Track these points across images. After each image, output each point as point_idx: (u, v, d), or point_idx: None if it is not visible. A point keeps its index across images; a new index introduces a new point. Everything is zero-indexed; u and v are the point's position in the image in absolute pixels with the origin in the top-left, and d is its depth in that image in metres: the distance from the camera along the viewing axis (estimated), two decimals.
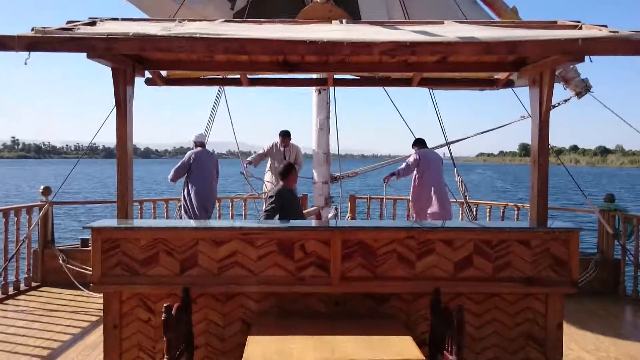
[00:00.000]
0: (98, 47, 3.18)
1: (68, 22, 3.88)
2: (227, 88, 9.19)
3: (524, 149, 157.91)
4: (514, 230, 4.05)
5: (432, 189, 8.63)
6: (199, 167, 8.48)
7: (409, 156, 8.95)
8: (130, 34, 3.16)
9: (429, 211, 8.61)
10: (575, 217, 18.88)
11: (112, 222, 4.15)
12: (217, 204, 9.33)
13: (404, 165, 8.89)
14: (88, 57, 3.64)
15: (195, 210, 8.37)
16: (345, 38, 3.20)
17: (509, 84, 5.67)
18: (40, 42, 3.12)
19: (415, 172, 8.78)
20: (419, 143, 9.02)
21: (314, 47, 3.15)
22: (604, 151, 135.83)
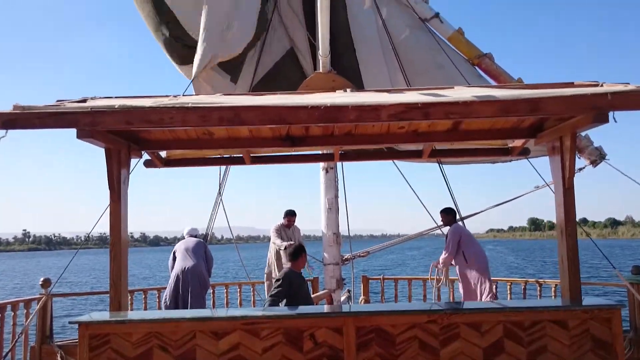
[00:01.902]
0: (81, 122, 2.93)
1: (58, 101, 3.68)
2: (232, 170, 8.98)
3: (534, 224, 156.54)
4: (547, 309, 3.62)
5: (480, 265, 7.50)
6: (180, 253, 8.00)
7: (422, 232, 8.52)
8: (116, 107, 2.91)
9: (482, 293, 7.37)
10: (593, 292, 17.98)
11: (103, 315, 3.76)
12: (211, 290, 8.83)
13: (446, 253, 7.63)
14: (77, 136, 3.41)
15: (166, 299, 7.72)
16: (351, 102, 2.93)
17: (523, 152, 5.37)
18: (18, 120, 2.88)
19: (459, 251, 7.61)
20: (450, 213, 7.94)
21: (317, 112, 2.88)
22: (613, 223, 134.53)
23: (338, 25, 9.01)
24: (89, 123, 2.95)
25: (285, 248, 8.38)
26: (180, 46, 7.74)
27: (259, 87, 8.99)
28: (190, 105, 2.93)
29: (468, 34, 8.61)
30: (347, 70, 8.97)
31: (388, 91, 3.97)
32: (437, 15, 8.58)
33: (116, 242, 4.11)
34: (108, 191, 4.10)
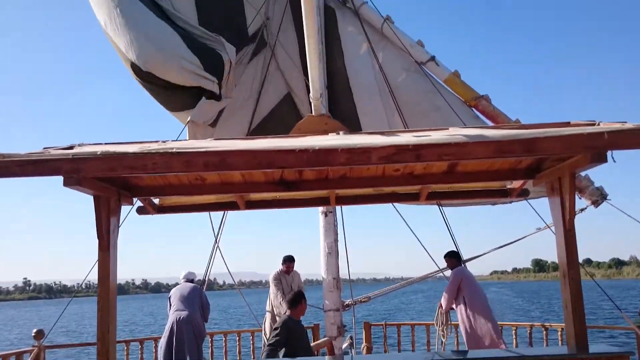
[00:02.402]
0: (63, 169, 2.85)
1: (44, 148, 3.61)
2: (230, 214, 8.84)
3: (537, 265, 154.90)
4: (553, 357, 3.45)
5: (483, 311, 7.28)
6: (175, 300, 7.73)
7: (426, 276, 8.33)
8: (99, 153, 2.83)
9: (487, 342, 7.10)
10: (600, 335, 17.53)
11: None
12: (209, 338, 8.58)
13: (445, 296, 7.56)
14: (64, 184, 3.31)
15: (161, 350, 7.37)
16: (341, 144, 2.85)
17: (523, 193, 5.25)
18: None
19: (459, 294, 7.46)
20: (454, 256, 7.80)
21: (306, 155, 2.80)
22: (618, 263, 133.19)
23: (335, 71, 9.09)
24: (71, 170, 2.87)
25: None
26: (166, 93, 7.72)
27: (256, 132, 8.99)
28: (174, 150, 2.86)
29: (464, 75, 8.64)
30: (345, 115, 8.99)
31: (382, 133, 3.89)
32: (433, 58, 8.63)
33: (104, 293, 3.96)
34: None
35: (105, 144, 3.99)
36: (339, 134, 4.11)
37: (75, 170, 2.89)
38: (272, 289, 8.57)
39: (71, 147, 3.59)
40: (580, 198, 7.76)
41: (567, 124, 3.90)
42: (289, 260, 8.78)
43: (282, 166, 2.89)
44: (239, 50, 8.47)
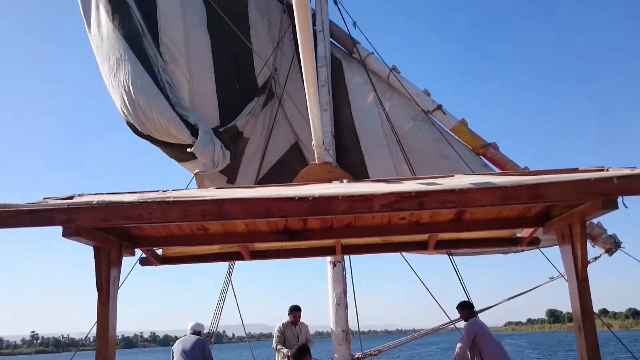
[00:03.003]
0: (57, 220, 2.79)
1: (44, 198, 3.57)
2: (238, 264, 8.72)
3: (552, 315, 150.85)
4: None
5: None
6: (177, 355, 7.50)
7: (438, 327, 8.06)
8: (94, 203, 2.78)
9: None
10: None
11: None
12: None
13: (460, 346, 7.07)
14: (63, 235, 3.26)
15: None
16: (341, 192, 2.77)
17: (533, 242, 5.12)
18: None
19: (475, 347, 7.03)
20: (466, 307, 7.48)
21: (305, 204, 2.72)
22: (635, 313, 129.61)
23: (342, 120, 9.14)
24: (66, 220, 2.81)
25: (284, 355, 7.99)
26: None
27: (264, 181, 8.99)
28: (171, 199, 2.80)
29: (472, 123, 8.64)
30: (352, 164, 8.99)
31: (385, 181, 3.83)
32: (439, 107, 8.65)
33: (102, 347, 3.84)
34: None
35: (106, 193, 3.96)
36: (342, 182, 4.06)
37: (69, 220, 2.83)
38: (274, 342, 8.36)
39: (70, 197, 3.55)
40: (593, 246, 7.57)
41: (575, 170, 3.81)
42: (295, 310, 8.56)
43: (281, 215, 2.82)
44: (249, 101, 8.61)
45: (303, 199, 2.73)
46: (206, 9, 8.55)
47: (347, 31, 9.37)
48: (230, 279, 8.72)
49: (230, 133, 8.16)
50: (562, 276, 6.78)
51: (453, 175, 4.00)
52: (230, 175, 8.45)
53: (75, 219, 2.85)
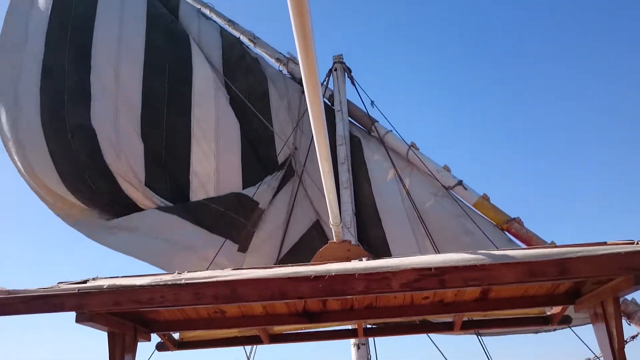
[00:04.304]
0: (67, 305, 2.73)
1: (58, 283, 3.53)
2: (259, 349, 8.46)
3: None
4: None
5: None
6: None
7: None
8: (105, 287, 2.72)
9: None
10: None
11: None
12: None
13: None
14: (76, 320, 3.18)
15: None
16: (358, 269, 2.68)
17: (564, 320, 4.87)
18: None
19: None
20: None
21: (321, 284, 2.63)
22: None
23: (363, 198, 9.11)
24: (76, 306, 2.75)
25: None
26: None
27: (285, 260, 8.88)
28: (183, 282, 2.73)
29: (495, 198, 8.51)
30: (374, 242, 8.86)
31: (405, 257, 3.72)
32: (460, 182, 8.59)
33: None
34: None
35: (121, 277, 3.91)
36: (361, 260, 3.96)
37: (79, 305, 2.77)
38: None
39: (84, 282, 3.50)
40: (629, 324, 7.20)
41: (604, 244, 3.66)
42: None
43: (297, 296, 2.72)
44: (268, 174, 8.75)
45: (318, 278, 2.64)
46: (227, 90, 8.93)
47: (365, 110, 9.52)
48: None
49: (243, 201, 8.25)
50: (598, 358, 6.44)
51: (476, 252, 3.88)
52: (242, 244, 8.37)
53: (86, 304, 2.78)
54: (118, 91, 8.24)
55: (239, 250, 8.12)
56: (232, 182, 8.49)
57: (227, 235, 8.00)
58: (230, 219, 8.06)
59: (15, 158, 7.74)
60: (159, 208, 7.94)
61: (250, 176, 8.67)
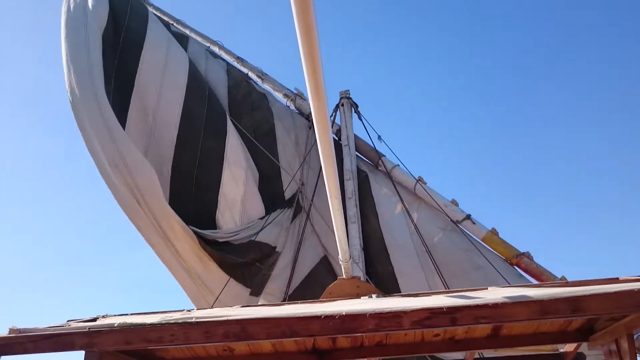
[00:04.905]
0: (77, 344, 2.71)
1: (68, 320, 3.52)
2: None
3: None
4: None
5: None
6: None
7: None
8: (115, 325, 2.72)
9: None
10: None
11: None
12: None
13: None
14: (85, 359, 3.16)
15: None
16: (369, 309, 2.67)
17: (578, 358, 4.80)
18: (8, 345, 2.67)
19: None
20: None
21: (332, 322, 2.61)
22: None
23: (371, 232, 9.07)
24: (86, 345, 2.74)
25: None
26: None
27: (294, 297, 8.81)
28: (193, 320, 2.72)
29: (503, 231, 8.47)
30: (382, 277, 8.78)
31: (415, 295, 3.70)
32: (468, 216, 8.56)
33: None
34: None
35: (131, 314, 3.89)
36: (371, 297, 3.93)
37: (89, 344, 2.75)
38: None
39: (94, 320, 3.49)
40: None
41: (616, 280, 3.63)
42: None
43: (307, 334, 2.70)
44: (275, 209, 8.76)
45: (329, 318, 2.63)
46: (235, 128, 9.06)
47: (372, 144, 9.57)
48: None
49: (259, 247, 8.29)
50: None
51: (486, 288, 3.85)
52: (255, 288, 8.34)
53: (96, 343, 2.77)
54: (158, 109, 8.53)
55: (251, 294, 8.13)
56: (257, 210, 8.63)
57: (239, 279, 8.08)
58: (248, 267, 8.18)
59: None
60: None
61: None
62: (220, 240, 8.03)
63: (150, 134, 8.48)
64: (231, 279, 7.87)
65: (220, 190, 8.48)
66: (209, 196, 8.48)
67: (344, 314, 2.64)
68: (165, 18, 10.83)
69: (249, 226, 8.40)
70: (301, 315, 2.73)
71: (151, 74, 8.75)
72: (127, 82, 8.56)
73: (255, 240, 8.29)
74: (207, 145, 8.70)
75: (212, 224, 8.34)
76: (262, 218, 8.61)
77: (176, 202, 7.97)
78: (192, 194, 8.49)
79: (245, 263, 8.11)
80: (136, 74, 8.64)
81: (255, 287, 8.24)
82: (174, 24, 10.84)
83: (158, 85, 8.71)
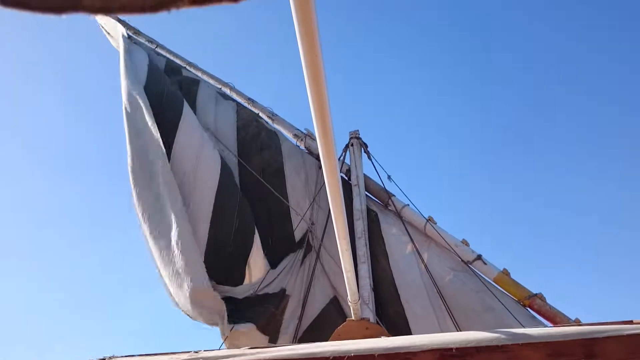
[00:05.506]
0: None
1: None
2: None
3: None
4: None
5: None
6: None
7: None
8: None
9: None
10: None
11: None
12: None
13: None
14: None
15: None
16: (378, 347, 2.64)
17: None
18: None
19: None
20: None
21: None
22: None
23: (381, 272, 8.99)
24: None
25: None
26: None
27: (304, 338, 8.69)
28: None
29: (516, 272, 8.36)
30: (393, 318, 8.66)
31: (426, 337, 3.64)
32: (479, 257, 8.48)
33: None
34: None
35: (138, 355, 3.86)
36: (380, 338, 3.88)
37: None
38: None
39: None
40: None
41: (630, 322, 3.56)
42: None
43: None
44: (286, 255, 8.69)
45: (338, 359, 2.60)
46: (239, 169, 9.06)
47: (382, 184, 9.58)
48: None
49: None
50: None
51: (498, 331, 3.79)
52: (272, 335, 8.23)
53: None
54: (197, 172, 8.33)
55: (270, 341, 8.04)
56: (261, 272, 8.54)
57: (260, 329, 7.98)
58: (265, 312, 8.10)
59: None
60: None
61: (268, 255, 8.65)
62: (240, 297, 7.96)
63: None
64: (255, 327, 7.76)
65: (247, 262, 8.32)
66: (239, 267, 8.31)
67: (352, 354, 2.61)
68: (178, 61, 11.04)
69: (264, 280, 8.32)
70: (310, 356, 2.70)
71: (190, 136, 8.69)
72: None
73: (270, 292, 8.24)
74: (242, 216, 8.51)
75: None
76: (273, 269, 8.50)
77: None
78: (222, 266, 8.32)
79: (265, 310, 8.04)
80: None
81: (272, 334, 8.16)
82: (187, 67, 11.05)
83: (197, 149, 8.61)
